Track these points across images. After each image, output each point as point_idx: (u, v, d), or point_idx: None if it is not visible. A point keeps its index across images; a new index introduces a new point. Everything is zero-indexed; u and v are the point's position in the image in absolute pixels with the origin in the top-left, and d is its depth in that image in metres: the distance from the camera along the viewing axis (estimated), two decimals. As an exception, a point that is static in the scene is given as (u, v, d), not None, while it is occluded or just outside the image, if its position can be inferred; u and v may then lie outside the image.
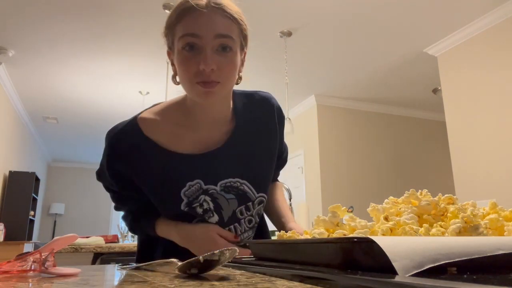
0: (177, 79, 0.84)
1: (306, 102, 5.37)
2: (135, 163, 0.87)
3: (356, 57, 4.20)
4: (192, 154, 0.88)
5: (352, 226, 0.52)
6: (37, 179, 6.30)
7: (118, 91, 5.05)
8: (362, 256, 0.37)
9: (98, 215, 9.18)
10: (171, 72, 0.89)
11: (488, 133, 3.41)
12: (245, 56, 0.88)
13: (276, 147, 1.00)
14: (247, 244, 0.94)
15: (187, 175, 0.87)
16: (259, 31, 3.59)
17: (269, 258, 0.58)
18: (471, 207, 0.53)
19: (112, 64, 4.30)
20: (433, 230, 0.48)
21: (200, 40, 0.77)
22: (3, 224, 4.94)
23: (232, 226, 0.92)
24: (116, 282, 0.47)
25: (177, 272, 0.47)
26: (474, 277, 0.30)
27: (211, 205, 0.89)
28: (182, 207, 0.88)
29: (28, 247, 5.56)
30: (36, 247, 5.88)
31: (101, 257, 2.34)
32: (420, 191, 0.59)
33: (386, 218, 0.54)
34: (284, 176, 5.56)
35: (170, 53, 0.86)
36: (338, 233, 0.52)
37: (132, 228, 0.99)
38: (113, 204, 1.01)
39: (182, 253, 0.88)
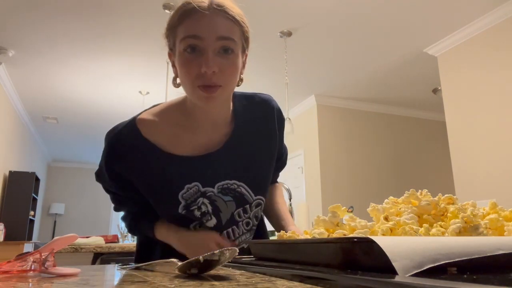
0: (178, 81, 0.84)
1: (306, 102, 5.37)
2: (133, 164, 0.87)
3: (356, 57, 4.20)
4: (191, 156, 0.87)
5: (352, 226, 0.52)
6: (37, 179, 6.30)
7: (118, 91, 5.05)
8: (362, 256, 0.37)
9: (98, 215, 9.18)
10: (171, 72, 0.89)
11: (488, 133, 3.41)
12: (246, 58, 0.88)
13: (275, 149, 1.00)
14: (244, 246, 0.94)
15: (186, 178, 0.87)
16: (259, 31, 3.59)
17: (269, 258, 0.58)
18: (471, 207, 0.53)
19: (112, 64, 4.30)
20: (433, 230, 0.48)
21: (201, 42, 0.77)
22: (3, 224, 4.94)
23: (230, 229, 0.92)
24: (116, 282, 0.47)
25: (177, 272, 0.47)
26: (474, 277, 0.30)
27: (210, 208, 0.89)
28: (180, 210, 0.87)
29: (28, 247, 5.56)
30: (36, 247, 5.88)
31: (101, 257, 2.34)
32: (420, 191, 0.59)
33: (386, 218, 0.54)
34: (284, 176, 5.56)
35: (171, 54, 0.85)
36: (338, 233, 0.52)
37: (131, 230, 0.99)
38: (113, 204, 1.01)
39: (180, 253, 0.88)
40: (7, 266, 0.49)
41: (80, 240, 2.40)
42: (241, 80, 0.87)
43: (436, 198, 0.55)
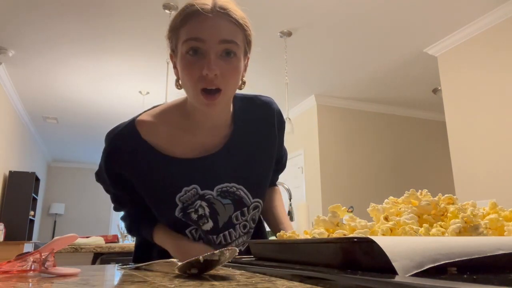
0: (180, 82, 0.84)
1: (306, 102, 5.37)
2: (132, 165, 0.87)
3: (356, 57, 4.20)
4: (190, 159, 0.87)
5: (352, 226, 0.52)
6: (37, 179, 6.30)
7: (118, 91, 5.05)
8: (362, 256, 0.37)
9: (98, 215, 9.18)
10: (171, 72, 0.89)
11: (488, 133, 3.41)
12: (248, 61, 0.87)
13: (274, 152, 0.99)
14: (241, 249, 0.94)
15: (184, 180, 0.87)
16: (259, 31, 3.59)
17: (269, 258, 0.58)
18: (471, 207, 0.53)
19: (112, 64, 4.30)
20: (433, 230, 0.48)
21: (204, 45, 0.76)
22: (3, 224, 4.94)
23: (226, 232, 0.91)
24: (116, 282, 0.47)
25: (177, 272, 0.47)
26: (474, 277, 0.30)
27: (207, 211, 0.88)
28: (177, 213, 0.87)
29: (28, 247, 5.56)
30: (36, 247, 5.88)
31: (101, 257, 2.34)
32: (420, 191, 0.59)
33: (386, 218, 0.54)
34: (284, 176, 5.56)
35: (172, 56, 0.85)
36: (338, 233, 0.52)
37: (130, 231, 1.00)
38: (112, 204, 1.01)
39: None
40: (7, 266, 0.49)
41: (80, 240, 2.40)
42: (243, 83, 0.86)
43: (436, 198, 0.55)
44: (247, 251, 0.95)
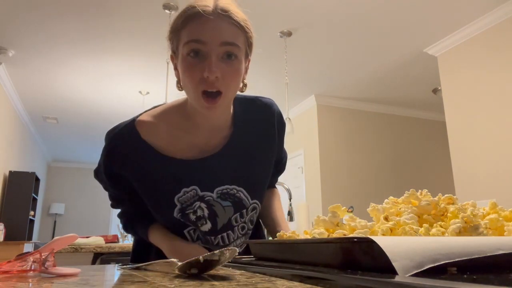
0: (181, 84, 0.83)
1: (306, 102, 5.37)
2: (131, 165, 0.87)
3: (356, 57, 4.20)
4: (190, 160, 0.87)
5: (352, 226, 0.52)
6: (37, 179, 6.30)
7: (118, 91, 5.05)
8: (362, 256, 0.37)
9: (98, 215, 9.18)
10: (171, 72, 0.89)
11: (488, 133, 3.41)
12: (249, 63, 0.87)
13: (274, 153, 0.99)
14: (239, 251, 0.94)
15: (183, 181, 0.87)
16: (259, 31, 3.59)
17: (269, 258, 0.58)
18: (471, 207, 0.53)
19: (112, 64, 4.30)
20: (433, 230, 0.48)
21: (205, 47, 0.76)
22: (3, 224, 4.94)
23: (225, 234, 0.91)
24: (116, 282, 0.47)
25: (177, 272, 0.47)
26: (474, 277, 0.30)
27: (206, 212, 0.88)
28: (175, 213, 0.87)
29: (28, 247, 5.56)
30: (36, 247, 5.88)
31: (101, 257, 2.34)
32: (420, 191, 0.59)
33: (386, 218, 0.54)
34: (284, 176, 5.54)
35: (173, 57, 0.85)
36: (338, 233, 0.52)
37: (126, 229, 1.00)
38: (110, 202, 1.01)
39: None
40: (7, 266, 0.49)
41: (80, 240, 2.40)
42: (245, 85, 0.86)
43: (436, 198, 0.55)
44: (245, 252, 0.95)
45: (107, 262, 2.30)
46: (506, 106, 3.29)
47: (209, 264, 0.45)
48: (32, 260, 0.49)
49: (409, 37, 3.79)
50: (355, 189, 5.15)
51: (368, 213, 0.59)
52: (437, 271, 0.32)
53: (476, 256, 0.33)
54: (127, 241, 3.51)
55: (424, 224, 0.50)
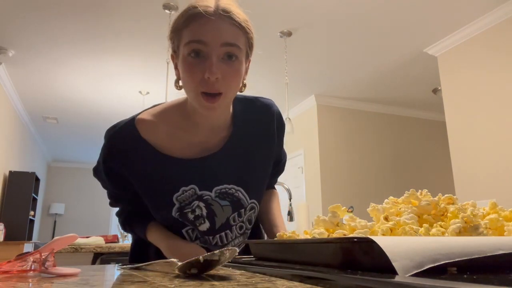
0: (180, 83, 0.83)
1: (306, 102, 5.37)
2: (130, 164, 0.87)
3: (356, 57, 4.20)
4: (189, 159, 0.87)
5: (352, 226, 0.52)
6: (37, 179, 6.30)
7: (118, 91, 5.05)
8: (362, 256, 0.37)
9: (98, 215, 9.18)
10: (171, 72, 0.89)
11: (488, 133, 3.41)
12: (250, 63, 0.87)
13: (273, 154, 1.00)
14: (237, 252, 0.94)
15: (182, 180, 0.87)
16: (259, 31, 3.59)
17: (269, 258, 0.58)
18: (471, 207, 0.53)
19: (112, 64, 4.30)
20: (433, 230, 0.48)
21: (206, 47, 0.76)
22: (3, 224, 4.94)
23: (223, 233, 0.92)
24: (116, 282, 0.47)
25: (177, 272, 0.47)
26: (474, 277, 0.30)
27: (204, 212, 0.88)
28: (173, 212, 0.87)
29: (28, 247, 5.56)
30: (36, 247, 5.88)
31: (101, 257, 2.34)
32: (420, 191, 0.59)
33: (386, 218, 0.54)
34: (284, 176, 5.55)
35: (173, 56, 0.85)
36: (338, 233, 0.52)
37: (124, 227, 1.00)
38: (109, 200, 1.01)
39: None
40: (7, 266, 0.49)
41: (80, 240, 2.40)
42: (244, 85, 0.86)
43: (436, 198, 0.55)
44: (244, 252, 0.95)
45: (107, 262, 2.30)
46: (506, 106, 3.29)
47: (209, 264, 0.45)
48: (32, 260, 0.49)
49: (409, 37, 3.79)
50: (355, 189, 5.15)
51: (368, 213, 0.59)
52: (437, 271, 0.32)
53: (476, 256, 0.33)
54: (127, 241, 3.51)
55: (424, 224, 0.50)
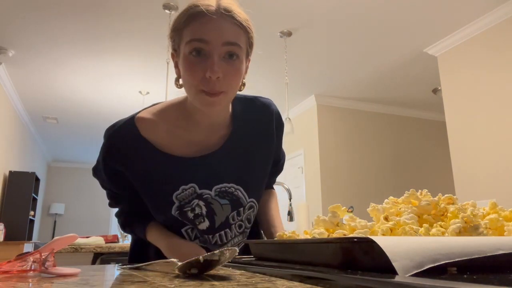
0: (180, 82, 0.83)
1: (306, 102, 5.37)
2: (130, 162, 0.87)
3: (356, 57, 4.20)
4: (188, 157, 0.87)
5: (352, 226, 0.52)
6: (37, 179, 6.30)
7: (118, 91, 5.05)
8: (362, 256, 0.37)
9: (98, 215, 9.18)
10: (171, 72, 0.89)
11: (488, 133, 3.41)
12: (249, 63, 0.88)
13: (272, 153, 1.00)
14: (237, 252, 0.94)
15: (182, 179, 0.87)
16: (259, 31, 3.59)
17: (269, 258, 0.58)
18: (471, 207, 0.53)
19: (112, 64, 4.30)
20: (433, 230, 0.48)
21: (207, 46, 0.76)
22: (3, 224, 4.94)
23: (222, 232, 0.92)
24: (116, 282, 0.47)
25: (177, 272, 0.47)
26: (474, 277, 0.30)
27: (204, 210, 0.88)
28: (173, 211, 0.87)
29: (28, 247, 5.56)
30: (36, 247, 5.88)
31: (101, 257, 2.34)
32: (420, 191, 0.59)
33: (386, 218, 0.54)
34: (284, 176, 5.56)
35: (174, 55, 0.85)
36: (338, 233, 0.52)
37: (124, 228, 1.00)
38: (108, 201, 1.01)
39: None
40: (7, 266, 0.49)
41: (80, 240, 2.40)
42: (243, 85, 0.87)
43: (436, 198, 0.55)
44: (243, 251, 0.95)
45: (107, 262, 2.30)
46: (506, 106, 3.29)
47: (209, 264, 0.45)
48: (32, 260, 0.49)
49: (409, 37, 3.79)
50: (355, 189, 5.15)
51: (368, 213, 0.59)
52: (437, 271, 0.32)
53: (476, 256, 0.33)
54: (127, 241, 3.51)
55: (424, 224, 0.50)
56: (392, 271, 0.31)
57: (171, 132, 0.87)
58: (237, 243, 0.95)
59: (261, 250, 0.63)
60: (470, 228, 0.47)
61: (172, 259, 0.51)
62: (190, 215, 0.88)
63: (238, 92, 0.88)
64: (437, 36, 3.79)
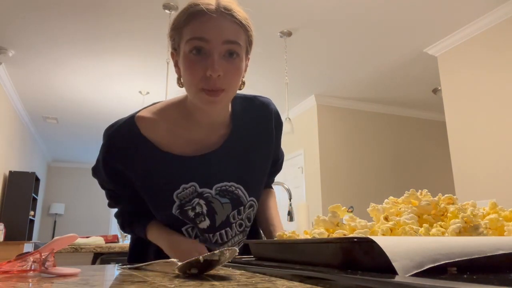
0: (182, 80, 0.84)
1: (306, 102, 5.37)
2: (130, 161, 0.87)
3: (356, 57, 4.20)
4: (188, 156, 0.87)
5: (352, 226, 0.52)
6: (37, 179, 6.30)
7: (118, 91, 5.05)
8: (362, 256, 0.37)
9: (98, 215, 9.18)
10: (171, 72, 0.89)
11: (488, 133, 3.41)
12: (249, 61, 0.88)
13: (271, 152, 1.00)
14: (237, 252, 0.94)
15: (182, 177, 0.87)
16: (259, 31, 3.59)
17: (269, 258, 0.58)
18: (471, 207, 0.53)
19: (112, 64, 4.30)
20: (433, 230, 0.48)
21: (207, 45, 0.76)
22: (3, 224, 4.94)
23: (223, 231, 0.92)
24: (116, 282, 0.47)
25: (177, 272, 0.47)
26: (474, 277, 0.30)
27: (204, 209, 0.88)
28: (174, 210, 0.87)
29: (28, 247, 5.56)
30: (36, 247, 5.88)
31: (101, 257, 2.34)
32: (420, 191, 0.59)
33: (386, 218, 0.54)
34: (284, 176, 5.57)
35: (174, 54, 0.85)
36: (338, 233, 0.52)
37: (124, 228, 0.99)
38: (108, 201, 1.01)
39: None
40: (7, 266, 0.49)
41: (80, 240, 2.40)
42: (243, 83, 0.87)
43: (436, 198, 0.55)
44: (243, 251, 0.95)
45: (107, 262, 2.30)
46: (506, 106, 3.29)
47: (209, 264, 0.45)
48: (32, 260, 0.49)
49: (409, 37, 3.79)
50: (355, 189, 5.15)
51: (368, 213, 0.59)
52: (437, 271, 0.32)
53: (476, 256, 0.33)
54: (127, 241, 3.51)
55: (424, 224, 0.50)
56: (392, 271, 0.31)
57: (171, 131, 0.88)
58: (237, 242, 0.95)
59: (261, 250, 0.63)
60: (470, 228, 0.47)
61: (172, 259, 0.51)
62: (191, 214, 0.88)
63: (238, 91, 0.88)
64: (437, 36, 3.79)
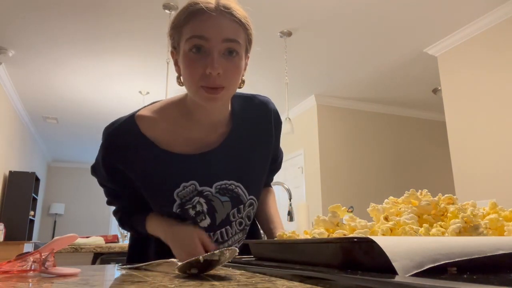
0: (182, 79, 0.84)
1: (306, 102, 5.37)
2: (131, 160, 0.87)
3: (356, 57, 4.20)
4: (188, 155, 0.88)
5: (352, 226, 0.52)
6: (37, 179, 6.30)
7: (118, 91, 5.05)
8: (362, 256, 0.37)
9: (98, 215, 9.18)
10: (171, 72, 0.89)
11: (488, 133, 3.41)
12: (248, 60, 0.88)
13: (271, 151, 1.01)
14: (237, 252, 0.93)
15: (182, 176, 0.87)
16: (259, 31, 3.59)
17: (269, 258, 0.58)
18: (471, 207, 0.53)
19: (112, 64, 4.30)
20: (433, 230, 0.48)
21: (207, 43, 0.77)
22: (3, 224, 4.94)
23: (223, 229, 0.92)
24: (116, 282, 0.47)
25: (177, 272, 0.47)
26: (474, 277, 0.30)
27: (205, 207, 0.89)
28: (174, 208, 0.87)
29: (28, 247, 5.56)
30: (36, 247, 5.88)
31: (101, 257, 2.34)
32: (420, 191, 0.59)
33: (386, 218, 0.54)
34: (284, 176, 5.57)
35: (173, 53, 0.86)
36: (338, 233, 0.52)
37: (122, 224, 0.99)
38: (107, 198, 1.01)
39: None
40: (7, 266, 0.49)
41: (80, 240, 2.40)
42: (243, 82, 0.87)
43: (436, 198, 0.55)
44: (243, 249, 0.95)
45: (107, 262, 2.30)
46: (506, 106, 3.29)
47: (209, 264, 0.45)
48: (32, 260, 0.49)
49: (409, 37, 3.79)
50: (355, 189, 5.15)
51: (368, 213, 0.59)
52: (437, 271, 0.32)
53: (476, 256, 0.33)
54: (127, 241, 3.50)
55: (424, 224, 0.50)
56: (392, 271, 0.31)
57: (171, 129, 0.88)
58: (237, 240, 0.95)
59: (261, 250, 0.63)
60: (470, 228, 0.47)
61: (172, 259, 0.51)
62: (192, 212, 0.88)
63: (238, 90, 0.88)
64: (437, 36, 3.79)
